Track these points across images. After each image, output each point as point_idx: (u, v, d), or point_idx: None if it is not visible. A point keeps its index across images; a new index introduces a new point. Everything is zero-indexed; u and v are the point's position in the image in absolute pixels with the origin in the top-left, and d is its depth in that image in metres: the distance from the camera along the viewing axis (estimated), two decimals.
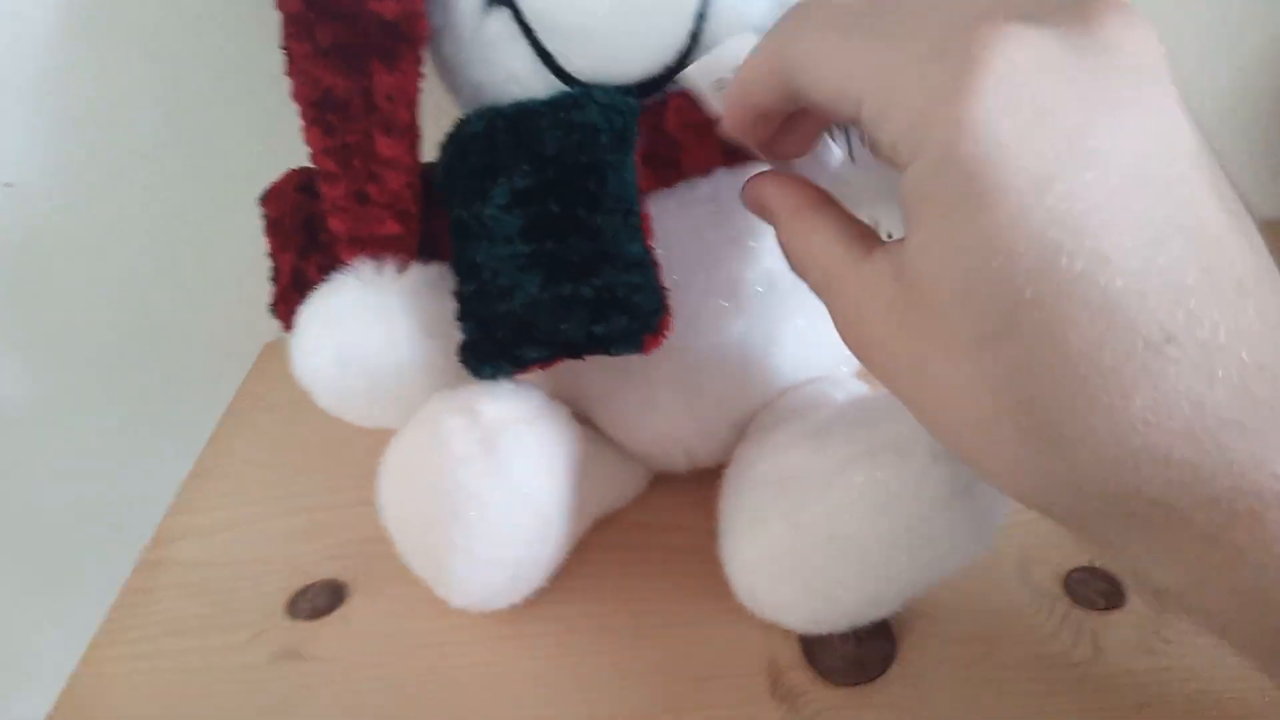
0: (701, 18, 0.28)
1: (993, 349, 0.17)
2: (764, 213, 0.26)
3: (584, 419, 0.35)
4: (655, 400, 0.32)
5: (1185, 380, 0.16)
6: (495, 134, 0.29)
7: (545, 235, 0.28)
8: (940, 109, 0.17)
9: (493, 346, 0.28)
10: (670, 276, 0.31)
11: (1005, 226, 0.16)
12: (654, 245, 0.28)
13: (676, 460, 0.35)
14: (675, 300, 0.31)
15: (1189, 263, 0.16)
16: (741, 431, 0.34)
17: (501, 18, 0.29)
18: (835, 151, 0.28)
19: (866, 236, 0.22)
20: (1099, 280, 0.16)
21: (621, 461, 0.35)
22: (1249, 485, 0.16)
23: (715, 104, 0.28)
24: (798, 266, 0.24)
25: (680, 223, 0.31)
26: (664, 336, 0.27)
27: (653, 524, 0.35)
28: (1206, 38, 0.48)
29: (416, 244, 0.32)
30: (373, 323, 0.30)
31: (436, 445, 0.27)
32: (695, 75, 0.28)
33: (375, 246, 0.32)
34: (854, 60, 0.19)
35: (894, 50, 0.19)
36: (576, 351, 0.28)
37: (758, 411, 0.33)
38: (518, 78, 0.30)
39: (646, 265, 0.27)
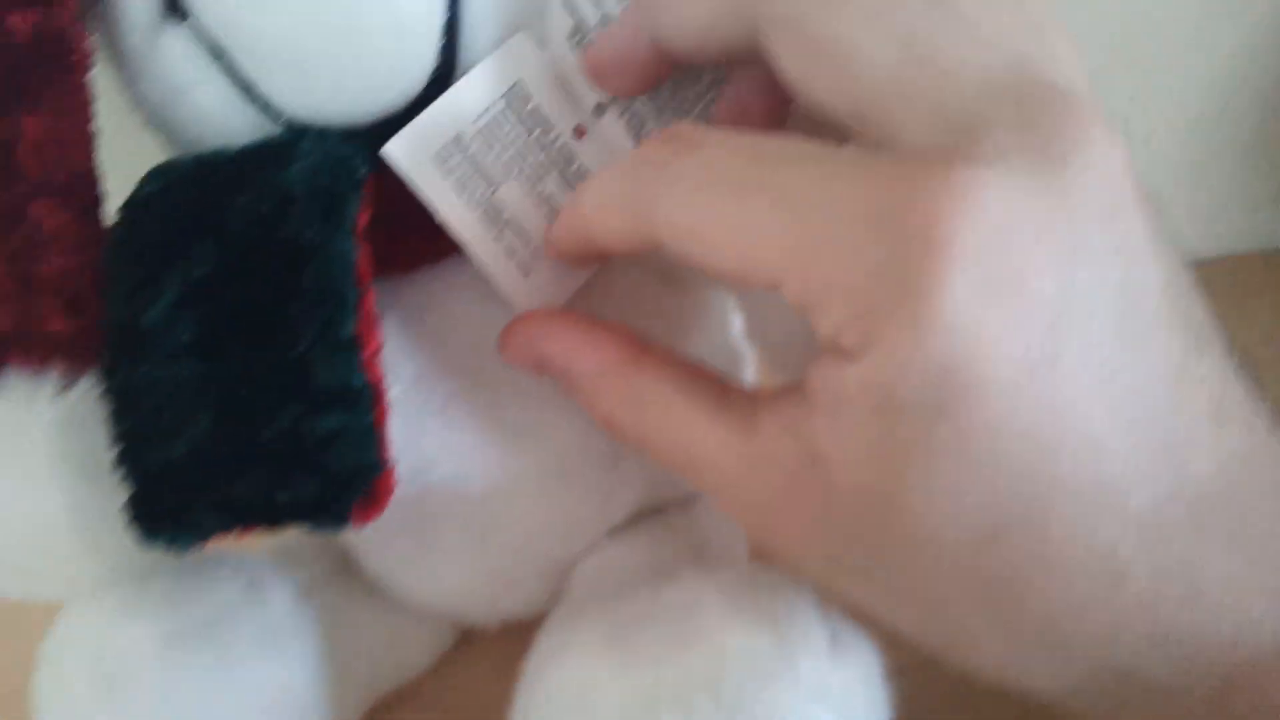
0: (451, 32, 0.20)
1: (973, 554, 0.16)
2: (549, 369, 0.21)
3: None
4: (435, 543, 0.24)
5: (1178, 549, 0.15)
6: (171, 199, 0.21)
7: (222, 350, 0.19)
8: (899, 302, 0.15)
9: (161, 509, 0.20)
10: (442, 385, 0.23)
11: (991, 429, 0.15)
12: (379, 364, 0.19)
13: (477, 616, 0.26)
14: (452, 414, 0.23)
15: (1175, 418, 0.15)
16: (562, 574, 0.25)
17: (182, 36, 0.21)
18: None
19: (727, 394, 0.19)
20: (1092, 468, 0.15)
21: (406, 622, 0.26)
22: (1247, 652, 0.16)
23: (436, 191, 0.20)
24: (635, 442, 0.19)
25: (453, 312, 0.23)
26: (382, 505, 0.19)
27: (447, 708, 0.26)
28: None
29: (96, 347, 0.23)
30: (9, 466, 0.21)
31: (53, 692, 0.18)
32: (399, 151, 0.20)
33: (41, 349, 0.23)
34: (758, 233, 0.16)
35: (810, 220, 0.16)
36: (264, 522, 0.19)
37: (580, 553, 0.25)
38: (212, 118, 0.21)
39: (356, 399, 0.18)
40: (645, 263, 0.24)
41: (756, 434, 0.17)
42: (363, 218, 0.20)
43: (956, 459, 0.15)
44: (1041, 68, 0.16)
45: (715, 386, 0.19)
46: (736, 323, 0.27)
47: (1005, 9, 0.17)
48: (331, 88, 0.20)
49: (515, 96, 0.21)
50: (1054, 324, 0.15)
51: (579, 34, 0.20)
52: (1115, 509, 0.15)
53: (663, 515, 0.26)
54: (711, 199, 0.17)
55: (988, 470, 0.15)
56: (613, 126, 0.22)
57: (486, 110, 0.20)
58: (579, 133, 0.22)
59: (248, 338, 0.19)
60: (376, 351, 0.20)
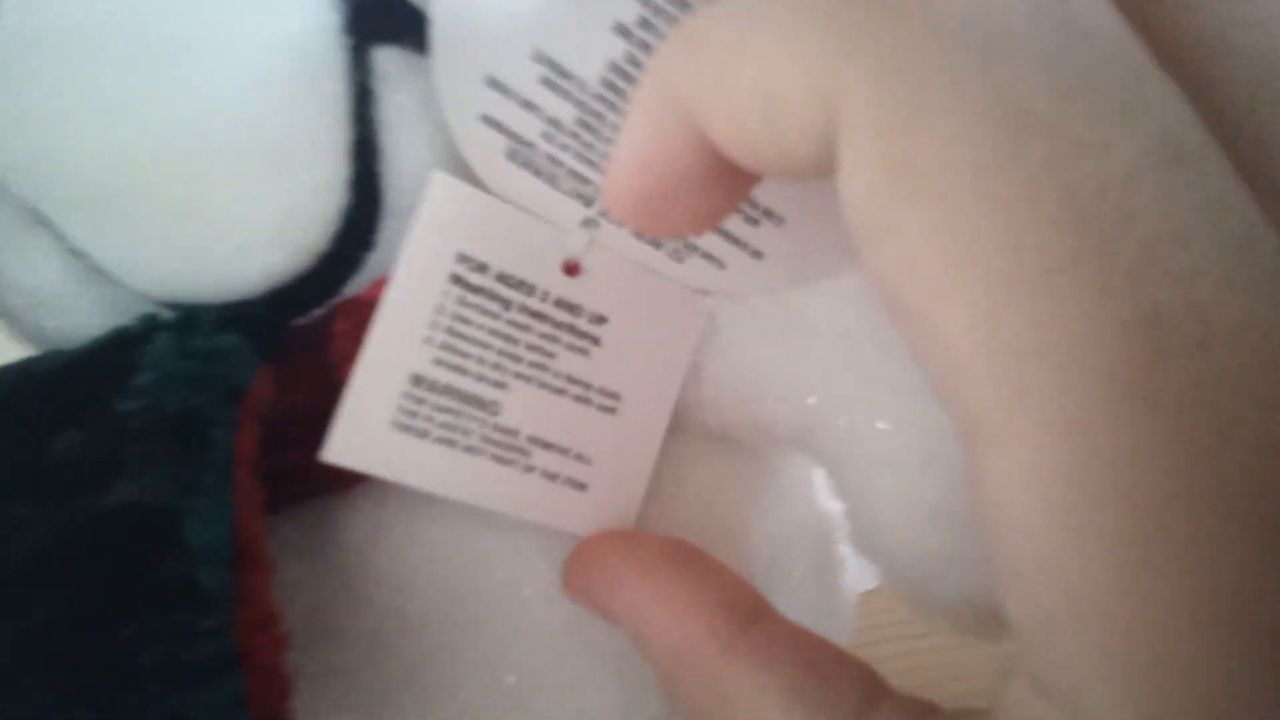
0: (366, 153, 0.13)
1: None
2: (619, 627, 0.15)
3: None
4: None
5: None
6: None
7: (50, 686, 0.12)
8: None
9: None
10: (405, 651, 0.16)
11: None
12: (283, 663, 0.12)
13: None
14: (424, 687, 0.16)
15: None
16: None
17: None
18: None
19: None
20: None
21: None
22: None
23: (418, 470, 0.14)
24: None
25: (415, 539, 0.16)
26: None
27: None
28: None
29: None
30: None
31: None
32: (343, 451, 0.14)
33: None
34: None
35: None
36: None
37: None
38: (50, 302, 0.15)
39: None
40: (701, 430, 0.17)
41: None
42: (245, 440, 0.13)
43: None
44: None
45: (842, 699, 0.11)
46: (819, 486, 0.19)
47: None
48: (190, 257, 0.13)
49: (468, 272, 0.14)
50: None
51: (519, 153, 0.13)
52: None
53: None
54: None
55: None
56: (617, 236, 0.15)
57: (437, 314, 0.14)
58: (572, 270, 0.15)
59: (73, 663, 0.12)
60: (277, 651, 0.13)
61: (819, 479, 0.19)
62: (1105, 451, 0.07)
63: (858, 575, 0.21)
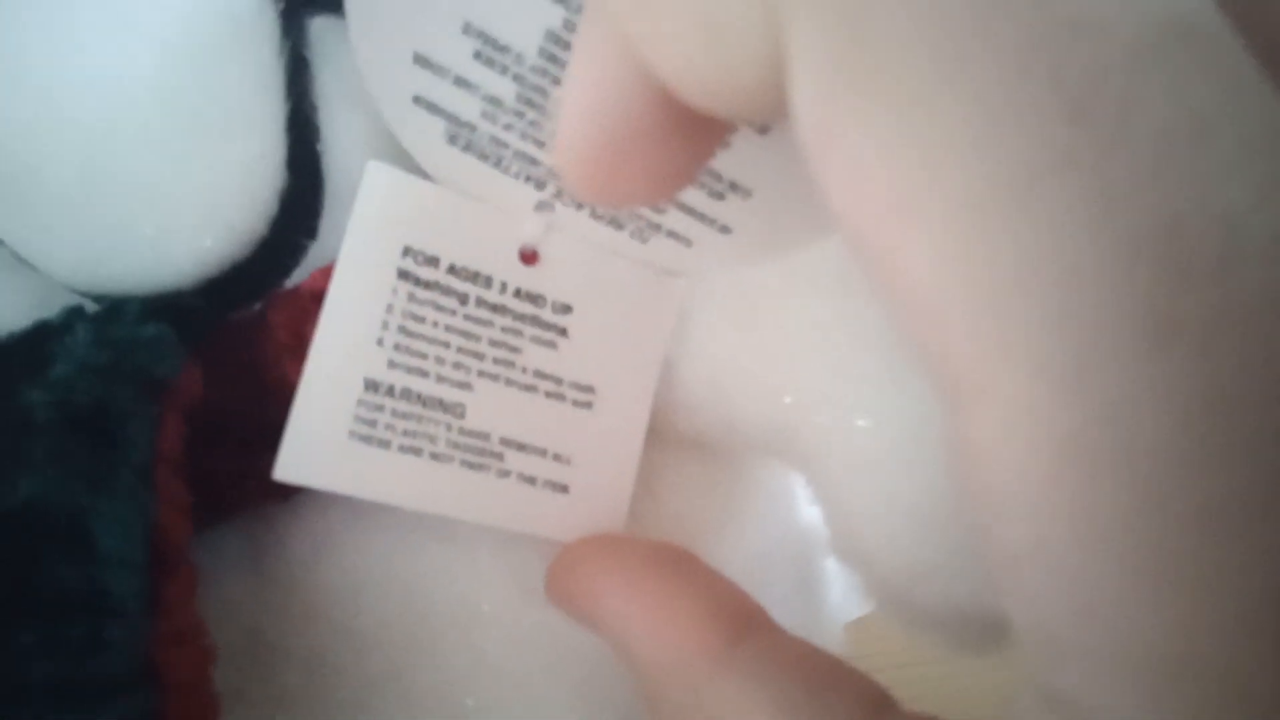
0: (301, 123, 0.13)
1: None
2: (602, 636, 0.14)
3: None
4: None
5: None
6: None
7: None
8: None
9: None
10: (357, 669, 0.15)
11: None
12: (209, 690, 0.11)
13: None
14: (382, 709, 0.15)
15: None
16: None
17: None
18: None
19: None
20: None
21: None
22: None
23: (380, 483, 0.13)
24: None
25: (369, 549, 0.15)
26: None
27: None
28: None
29: None
30: None
31: None
32: (295, 468, 0.13)
33: None
34: None
35: None
36: None
37: None
38: None
39: None
40: (672, 436, 0.16)
41: None
42: (167, 437, 0.12)
43: None
44: None
45: (843, 718, 0.10)
46: (800, 495, 0.18)
47: None
48: (108, 241, 0.12)
49: (416, 267, 0.13)
50: None
51: (460, 136, 0.13)
52: None
53: None
54: None
55: None
56: (575, 219, 0.14)
57: (387, 314, 0.13)
58: (529, 259, 0.14)
59: None
60: (198, 667, 0.12)
61: (800, 488, 0.18)
62: (1112, 406, 0.06)
63: (844, 598, 0.20)
